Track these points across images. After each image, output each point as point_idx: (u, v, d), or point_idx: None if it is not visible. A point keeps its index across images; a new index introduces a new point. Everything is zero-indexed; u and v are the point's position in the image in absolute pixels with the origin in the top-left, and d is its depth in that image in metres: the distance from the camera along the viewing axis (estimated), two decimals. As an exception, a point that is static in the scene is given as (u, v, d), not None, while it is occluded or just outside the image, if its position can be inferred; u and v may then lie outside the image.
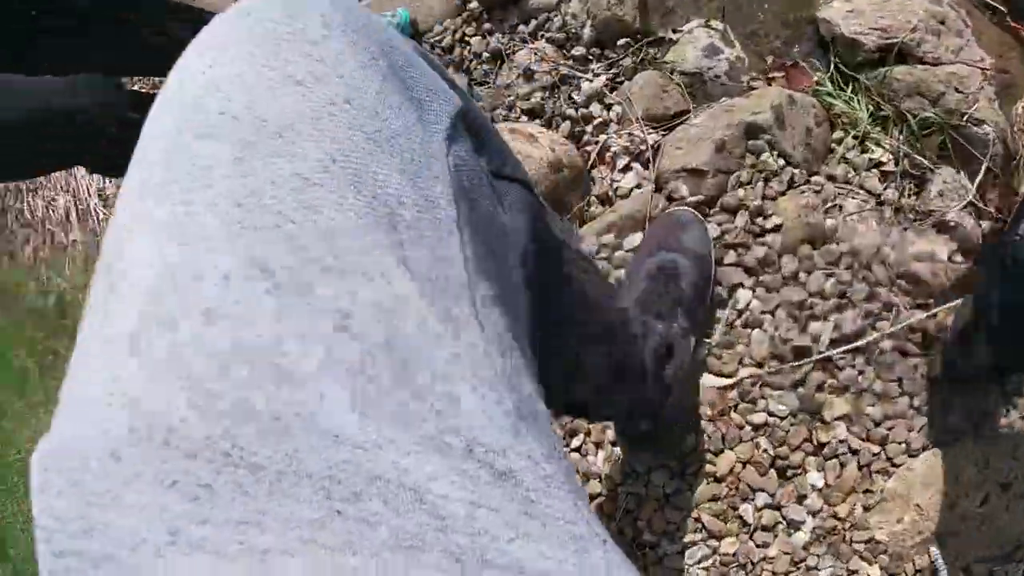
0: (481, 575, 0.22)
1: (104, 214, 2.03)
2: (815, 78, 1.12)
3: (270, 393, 0.23)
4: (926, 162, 1.08)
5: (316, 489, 0.22)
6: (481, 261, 0.33)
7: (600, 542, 0.26)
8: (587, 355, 0.70)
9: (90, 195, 2.07)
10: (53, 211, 2.17)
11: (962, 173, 1.10)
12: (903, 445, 1.02)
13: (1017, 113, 1.17)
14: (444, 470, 0.24)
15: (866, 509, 1.02)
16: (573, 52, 1.17)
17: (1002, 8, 1.22)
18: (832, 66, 1.12)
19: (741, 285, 1.05)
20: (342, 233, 0.27)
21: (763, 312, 1.05)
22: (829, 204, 1.06)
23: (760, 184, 1.05)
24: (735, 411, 1.05)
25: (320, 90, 0.30)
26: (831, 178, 1.07)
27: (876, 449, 1.03)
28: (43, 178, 2.16)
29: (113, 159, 1.04)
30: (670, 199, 1.05)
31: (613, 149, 1.09)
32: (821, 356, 1.04)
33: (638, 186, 1.08)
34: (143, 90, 1.53)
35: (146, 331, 0.24)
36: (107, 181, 2.03)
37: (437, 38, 1.25)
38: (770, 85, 1.12)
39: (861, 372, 1.05)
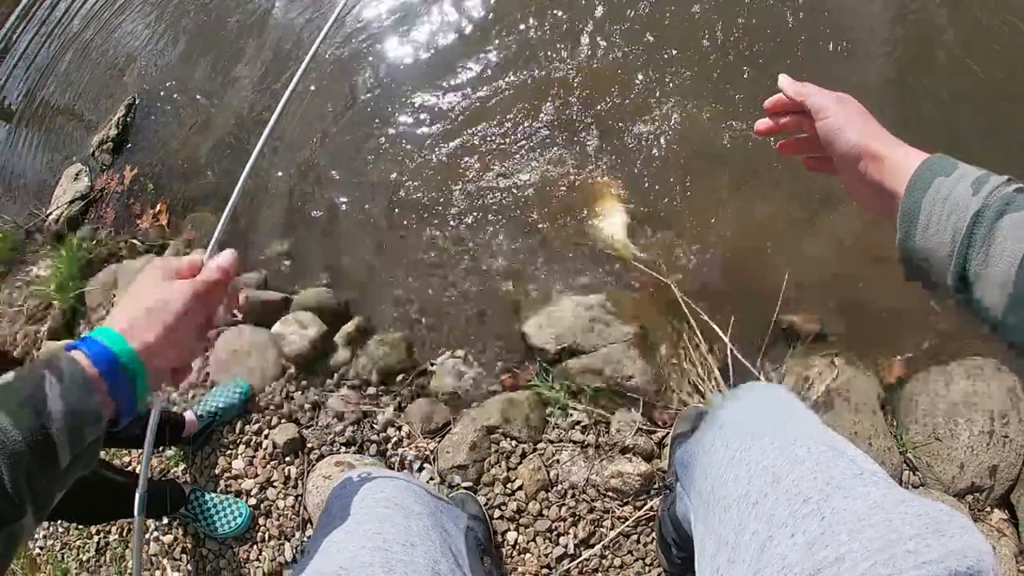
0: None
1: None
2: (527, 377, 1.73)
3: None
4: (605, 412, 1.69)
5: None
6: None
7: None
8: None
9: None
10: None
11: (632, 410, 1.72)
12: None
13: (661, 355, 1.82)
14: None
15: (624, 648, 1.56)
16: (367, 392, 1.72)
17: (637, 283, 1.90)
18: (538, 364, 1.74)
19: (508, 529, 1.60)
20: (435, 540, 0.76)
21: (527, 542, 1.60)
22: (551, 460, 1.65)
23: (503, 462, 1.63)
24: (528, 611, 1.58)
25: (430, 501, 0.84)
26: (550, 442, 1.67)
27: None
28: None
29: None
30: (451, 486, 1.60)
31: (409, 458, 1.63)
32: (573, 556, 1.60)
33: (430, 479, 1.63)
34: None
35: None
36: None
37: (269, 396, 1.76)
38: (503, 387, 1.72)
39: (603, 556, 1.61)
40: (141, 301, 0.56)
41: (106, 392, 0.51)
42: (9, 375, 0.48)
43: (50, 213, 2.60)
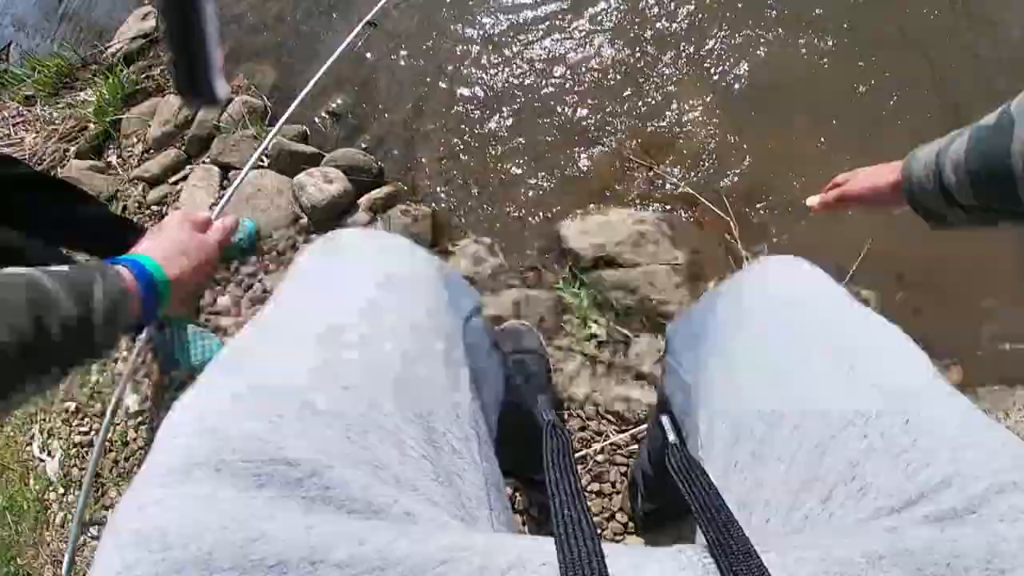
0: None
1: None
2: (554, 280, 1.57)
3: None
4: (629, 333, 1.52)
5: None
6: (472, 371, 0.57)
7: None
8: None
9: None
10: None
11: (658, 337, 1.55)
12: (622, 525, 1.40)
13: (707, 288, 1.64)
14: None
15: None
16: (380, 258, 1.58)
17: (700, 218, 1.72)
18: (568, 268, 1.58)
19: (497, 431, 1.45)
20: (422, 328, 0.52)
21: (514, 449, 1.45)
22: (555, 366, 1.49)
23: (506, 358, 1.47)
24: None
25: (419, 272, 0.58)
26: (559, 348, 1.50)
27: (599, 531, 1.41)
28: None
29: None
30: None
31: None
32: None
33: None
34: None
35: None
36: None
37: (274, 242, 1.64)
38: (524, 283, 1.57)
39: (582, 478, 1.45)
40: (174, 242, 0.73)
41: (138, 302, 0.65)
42: (65, 267, 0.61)
43: (110, 46, 2.55)
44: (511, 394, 0.89)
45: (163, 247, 0.72)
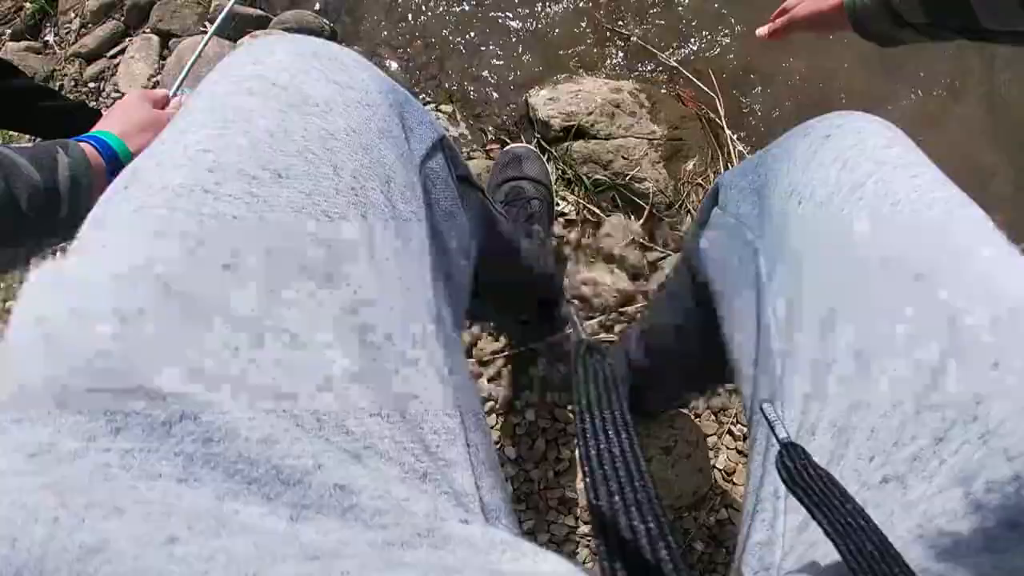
0: None
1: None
2: (518, 149, 1.46)
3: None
4: (599, 211, 1.43)
5: None
6: (433, 232, 0.43)
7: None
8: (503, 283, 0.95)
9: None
10: None
11: (632, 218, 1.45)
12: (583, 424, 1.34)
13: (687, 169, 1.54)
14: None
15: (556, 474, 1.31)
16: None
17: (682, 92, 1.60)
18: (536, 141, 1.46)
19: (461, 313, 1.37)
20: (349, 172, 0.35)
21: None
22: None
23: (469, 234, 1.37)
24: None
25: (351, 93, 0.38)
26: (526, 227, 1.41)
27: (561, 426, 1.33)
28: None
29: None
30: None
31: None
32: (514, 351, 1.36)
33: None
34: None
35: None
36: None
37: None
38: (487, 155, 1.46)
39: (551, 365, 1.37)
40: (133, 118, 0.73)
41: (103, 176, 0.64)
42: (28, 144, 0.67)
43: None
44: (497, 240, 0.74)
45: (122, 123, 0.72)
